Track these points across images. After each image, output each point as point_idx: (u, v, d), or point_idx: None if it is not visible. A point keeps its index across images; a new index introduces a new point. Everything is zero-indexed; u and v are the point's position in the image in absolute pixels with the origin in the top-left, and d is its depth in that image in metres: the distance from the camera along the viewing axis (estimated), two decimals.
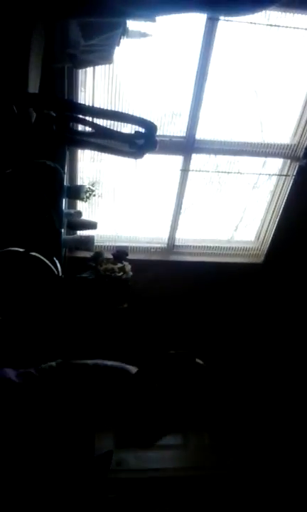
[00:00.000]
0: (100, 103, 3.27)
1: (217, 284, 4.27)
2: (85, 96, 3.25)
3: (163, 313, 4.23)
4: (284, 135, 3.69)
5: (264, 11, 2.91)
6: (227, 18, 2.98)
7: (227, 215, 4.20)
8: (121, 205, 3.95)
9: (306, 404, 4.80)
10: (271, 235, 4.13)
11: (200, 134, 3.55)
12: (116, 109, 3.24)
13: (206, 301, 4.37)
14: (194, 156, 3.63)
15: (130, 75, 3.24)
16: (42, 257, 2.98)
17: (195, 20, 3.01)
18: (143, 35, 2.79)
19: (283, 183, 3.86)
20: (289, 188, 3.83)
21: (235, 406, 4.81)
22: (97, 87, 3.20)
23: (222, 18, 3.00)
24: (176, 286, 4.08)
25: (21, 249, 2.87)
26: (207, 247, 4.23)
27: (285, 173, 3.82)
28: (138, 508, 4.16)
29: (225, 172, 3.85)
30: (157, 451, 4.51)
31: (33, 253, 2.92)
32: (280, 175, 3.86)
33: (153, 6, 2.17)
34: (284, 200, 3.90)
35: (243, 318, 4.59)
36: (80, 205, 3.69)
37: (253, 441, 4.72)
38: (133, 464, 4.40)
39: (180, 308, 4.35)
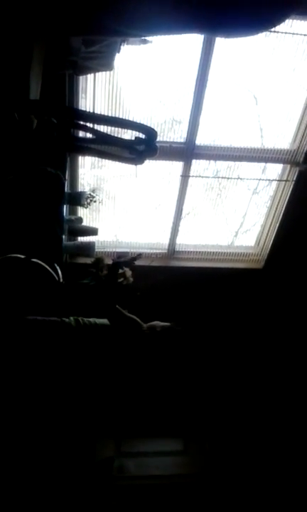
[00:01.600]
0: (101, 109, 3.28)
1: (217, 289, 4.26)
2: (86, 102, 3.26)
3: (163, 319, 4.23)
4: (284, 140, 3.70)
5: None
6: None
7: (227, 220, 4.21)
8: (122, 211, 3.95)
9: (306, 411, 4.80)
10: (271, 241, 4.13)
11: (200, 140, 3.55)
12: (117, 116, 3.25)
13: (206, 307, 4.37)
14: (194, 161, 3.64)
15: (130, 82, 3.26)
16: (43, 263, 2.98)
17: None
18: (144, 41, 2.80)
19: (283, 189, 3.87)
20: (289, 193, 3.83)
21: (235, 413, 4.81)
22: (97, 93, 3.21)
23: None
24: (176, 292, 4.07)
25: (22, 256, 2.87)
26: (208, 252, 4.24)
27: (285, 179, 3.82)
28: None
29: (225, 178, 3.85)
30: (157, 458, 4.51)
31: (34, 259, 2.93)
32: (280, 180, 3.86)
33: (151, 27, 2.18)
34: (284, 206, 3.90)
35: (243, 323, 4.59)
36: (81, 212, 3.69)
37: (253, 448, 4.70)
38: (134, 471, 4.39)
39: (180, 313, 4.34)
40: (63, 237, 3.20)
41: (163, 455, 4.57)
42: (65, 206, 3.25)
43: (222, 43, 3.11)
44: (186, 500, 4.28)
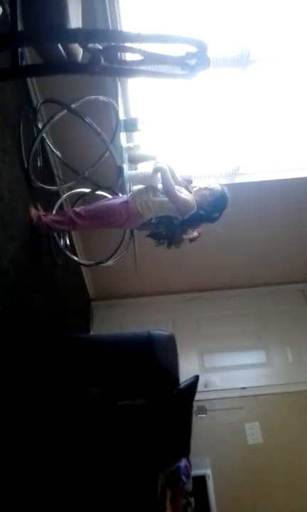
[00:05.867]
0: (145, 28, 3.09)
1: (288, 202, 4.15)
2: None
3: (233, 239, 4.18)
4: None
5: None
6: None
7: (292, 126, 3.94)
8: (180, 132, 3.82)
9: None
10: None
11: (254, 45, 3.28)
12: (163, 32, 3.05)
13: (278, 221, 4.30)
14: (251, 67, 3.38)
15: None
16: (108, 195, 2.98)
17: None
18: None
19: None
20: None
21: None
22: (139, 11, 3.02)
23: None
24: (245, 210, 3.94)
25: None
26: (275, 164, 4.07)
27: None
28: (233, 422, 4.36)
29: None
30: (242, 371, 4.66)
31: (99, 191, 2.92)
32: None
33: None
34: None
35: None
36: (137, 138, 3.60)
37: None
38: (220, 385, 4.58)
39: (251, 230, 4.31)
40: (124, 166, 3.16)
41: (246, 368, 4.71)
42: (121, 134, 3.19)
43: None
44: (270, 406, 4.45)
